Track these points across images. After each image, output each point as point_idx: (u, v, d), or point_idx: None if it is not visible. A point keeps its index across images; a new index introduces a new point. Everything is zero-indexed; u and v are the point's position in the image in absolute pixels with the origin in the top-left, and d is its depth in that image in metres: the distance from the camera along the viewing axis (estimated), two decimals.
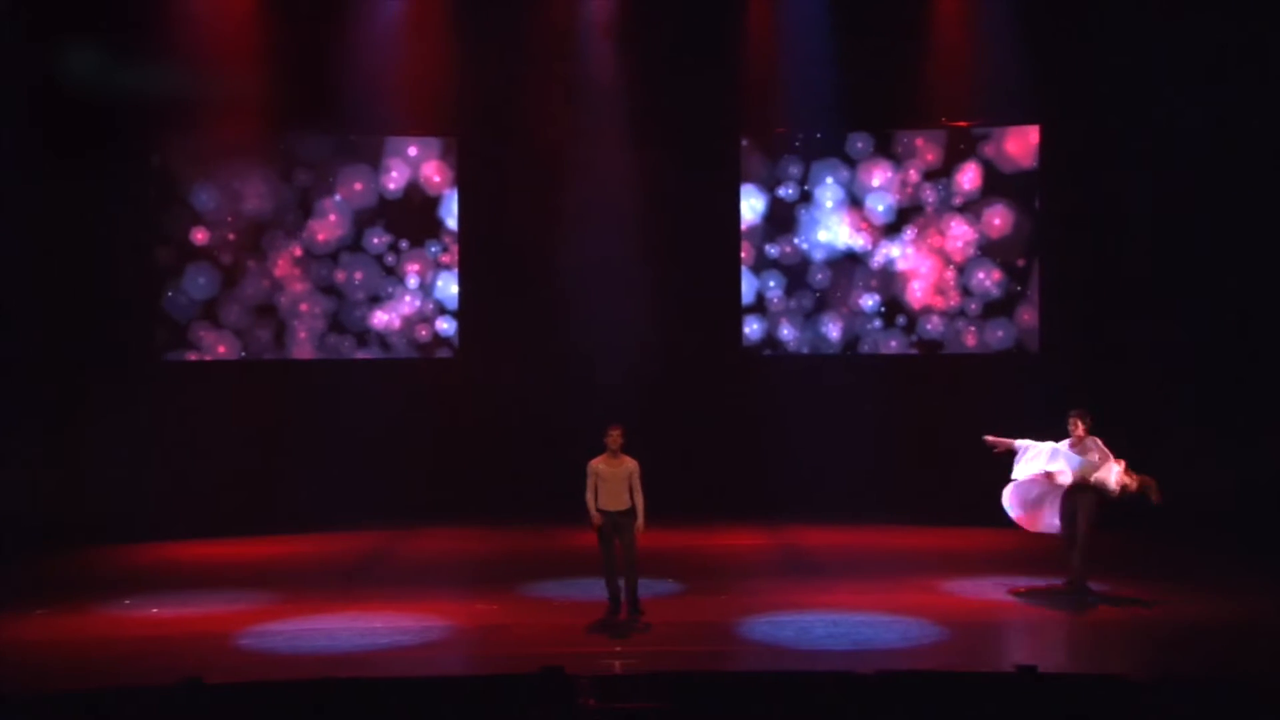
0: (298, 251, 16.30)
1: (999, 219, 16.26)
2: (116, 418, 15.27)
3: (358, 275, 16.43)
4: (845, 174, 16.53)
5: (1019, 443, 11.86)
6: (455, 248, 16.58)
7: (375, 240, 16.44)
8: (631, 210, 16.07)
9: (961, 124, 16.27)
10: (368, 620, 11.11)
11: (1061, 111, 15.88)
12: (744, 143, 16.65)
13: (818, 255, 16.62)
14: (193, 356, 16.20)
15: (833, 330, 16.58)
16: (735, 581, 12.65)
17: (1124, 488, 11.40)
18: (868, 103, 16.22)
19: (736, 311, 16.70)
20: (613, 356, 15.99)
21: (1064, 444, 11.61)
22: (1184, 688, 8.32)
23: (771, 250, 16.65)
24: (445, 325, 16.62)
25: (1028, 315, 16.18)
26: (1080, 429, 11.53)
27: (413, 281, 16.52)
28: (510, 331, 16.45)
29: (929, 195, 16.40)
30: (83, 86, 14.86)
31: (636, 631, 10.59)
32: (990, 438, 12.02)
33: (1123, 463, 11.46)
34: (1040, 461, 11.63)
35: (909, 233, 16.44)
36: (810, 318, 16.62)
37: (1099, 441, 11.51)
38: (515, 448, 16.27)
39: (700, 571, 12.97)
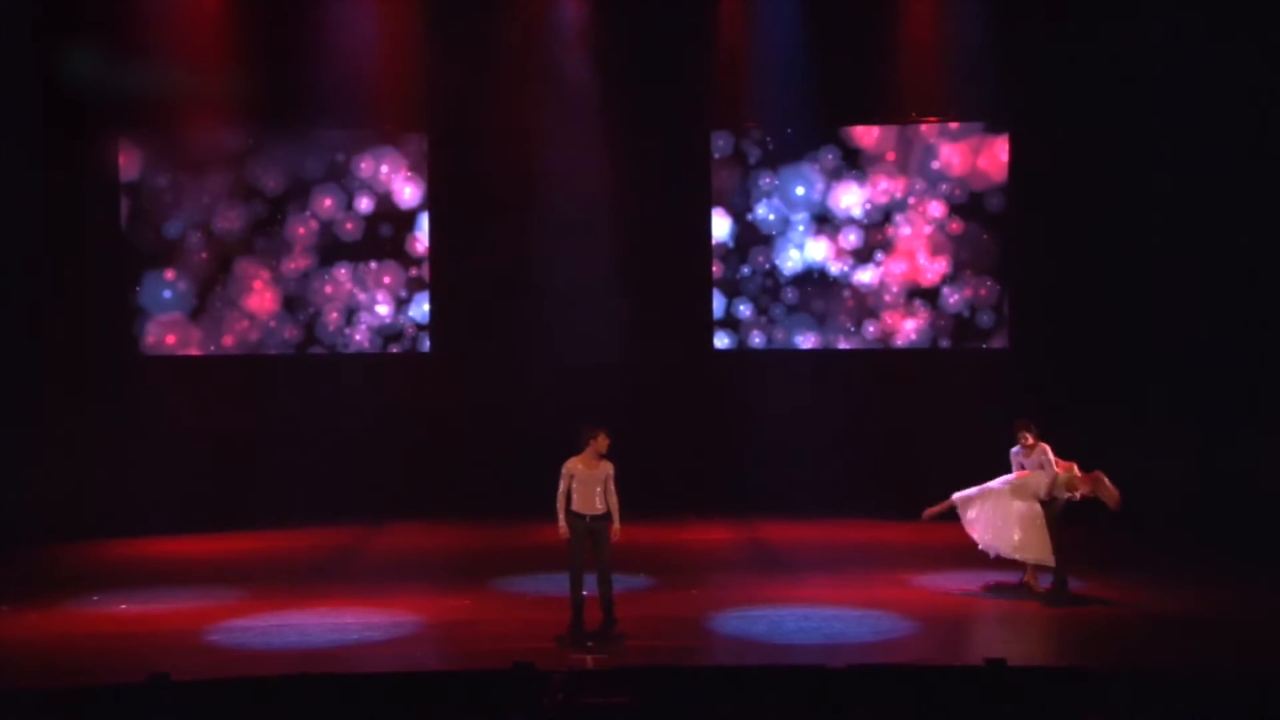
0: (265, 272, 16.25)
1: (970, 235, 16.24)
2: (86, 414, 15.19)
3: (327, 289, 16.37)
4: (816, 189, 16.40)
5: (956, 496, 11.89)
6: (426, 255, 16.46)
7: (343, 262, 16.37)
8: (603, 216, 16.02)
9: (932, 120, 16.28)
10: (339, 616, 11.06)
11: (1032, 114, 15.87)
12: (715, 156, 16.53)
13: (787, 269, 16.53)
14: (161, 353, 16.13)
15: (803, 344, 16.55)
16: (706, 576, 12.68)
17: (1072, 489, 11.44)
18: (838, 100, 16.18)
19: (708, 316, 16.60)
20: (583, 352, 15.94)
21: (1015, 450, 11.67)
22: (1150, 681, 8.39)
23: (744, 268, 16.56)
24: (416, 335, 16.50)
25: (999, 342, 16.20)
26: (1029, 438, 11.59)
27: (383, 297, 16.43)
28: (480, 331, 16.39)
29: (898, 213, 16.35)
30: (62, 84, 14.81)
31: (608, 628, 10.54)
32: (928, 511, 12.00)
33: (1073, 464, 11.50)
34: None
35: (879, 251, 16.38)
36: (778, 332, 16.55)
37: (1048, 450, 11.55)
38: (487, 443, 16.19)
39: (671, 567, 12.98)
